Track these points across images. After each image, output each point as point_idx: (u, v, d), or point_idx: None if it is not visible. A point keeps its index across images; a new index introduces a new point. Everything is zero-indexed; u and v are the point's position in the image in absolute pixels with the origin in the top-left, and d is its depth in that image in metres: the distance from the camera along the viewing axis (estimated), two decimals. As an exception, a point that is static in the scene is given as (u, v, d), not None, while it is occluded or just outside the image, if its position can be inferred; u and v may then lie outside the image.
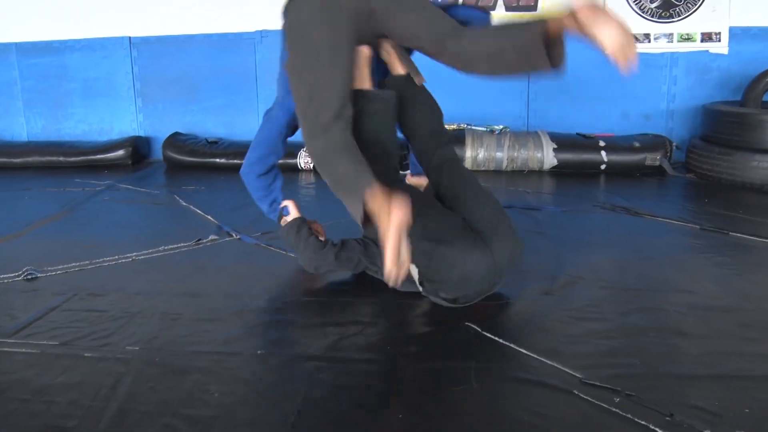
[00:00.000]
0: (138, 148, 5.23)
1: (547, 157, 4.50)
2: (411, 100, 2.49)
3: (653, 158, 4.39)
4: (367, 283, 2.38)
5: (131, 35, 5.39)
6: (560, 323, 2.02)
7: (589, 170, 4.44)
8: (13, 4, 5.49)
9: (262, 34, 5.23)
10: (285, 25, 2.15)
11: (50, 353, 1.91)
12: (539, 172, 4.53)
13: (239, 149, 4.80)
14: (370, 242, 2.30)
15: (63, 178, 4.64)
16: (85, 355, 1.89)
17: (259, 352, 1.89)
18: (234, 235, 3.06)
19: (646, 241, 2.93)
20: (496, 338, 1.91)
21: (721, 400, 1.57)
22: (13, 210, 3.83)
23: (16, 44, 5.56)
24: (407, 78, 2.46)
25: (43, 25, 5.48)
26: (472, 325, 2.00)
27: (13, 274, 2.58)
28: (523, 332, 1.97)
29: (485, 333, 1.95)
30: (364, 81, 2.28)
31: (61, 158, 5.08)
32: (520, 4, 4.84)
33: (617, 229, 3.16)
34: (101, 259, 2.74)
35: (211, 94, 5.45)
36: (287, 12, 2.12)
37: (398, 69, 2.43)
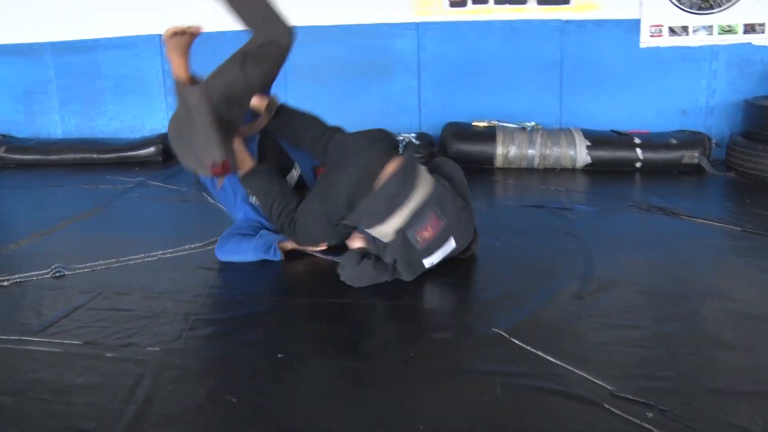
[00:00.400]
0: (168, 146, 5.24)
1: (580, 154, 4.39)
2: (287, 132, 2.99)
3: (691, 156, 4.23)
4: (388, 287, 2.34)
5: (162, 33, 5.41)
6: (591, 330, 1.95)
7: (623, 168, 4.31)
8: (48, 4, 5.57)
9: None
10: None
11: (73, 353, 1.90)
12: (572, 170, 4.42)
13: None
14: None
15: (95, 174, 4.69)
16: (107, 355, 1.88)
17: (279, 356, 1.85)
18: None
19: (684, 244, 2.82)
20: (524, 345, 1.85)
21: (765, 418, 1.48)
22: (46, 206, 3.88)
23: (52, 44, 5.63)
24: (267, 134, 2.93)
25: (77, 24, 5.54)
26: (499, 331, 1.93)
27: (42, 271, 2.59)
28: (551, 339, 1.89)
29: (512, 339, 1.88)
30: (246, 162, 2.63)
31: (94, 155, 5.14)
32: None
33: (653, 231, 3.04)
34: (128, 257, 2.73)
35: (241, 90, 5.44)
36: None
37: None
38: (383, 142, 2.60)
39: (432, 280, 2.39)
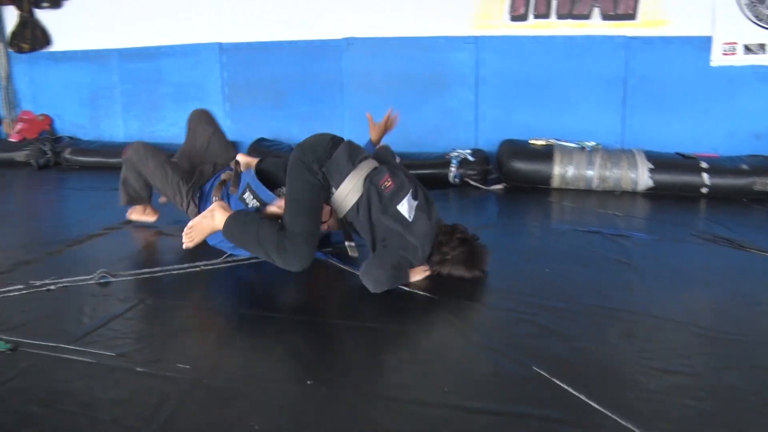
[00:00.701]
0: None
1: (642, 177, 4.20)
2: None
3: (763, 183, 3.99)
4: (422, 311, 2.25)
5: (222, 41, 5.50)
6: (642, 374, 1.80)
7: (688, 194, 4.10)
8: (116, 12, 5.74)
9: (349, 41, 5.20)
10: None
11: (105, 365, 1.89)
12: (632, 194, 4.23)
13: None
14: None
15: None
16: (137, 369, 1.86)
17: (309, 382, 1.79)
18: (347, 244, 2.95)
19: (752, 282, 2.62)
20: (565, 386, 1.72)
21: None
22: (103, 209, 3.93)
23: (118, 50, 5.80)
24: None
25: (142, 32, 5.69)
26: (539, 369, 1.82)
27: (88, 276, 2.62)
28: (597, 382, 1.76)
29: (553, 379, 1.76)
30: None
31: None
32: (618, 12, 4.56)
33: (717, 265, 2.84)
34: (173, 266, 2.74)
35: (296, 100, 5.47)
36: None
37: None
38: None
39: (469, 305, 2.30)
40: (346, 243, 2.69)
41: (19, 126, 6.11)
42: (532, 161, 4.41)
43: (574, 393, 1.69)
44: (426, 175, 4.60)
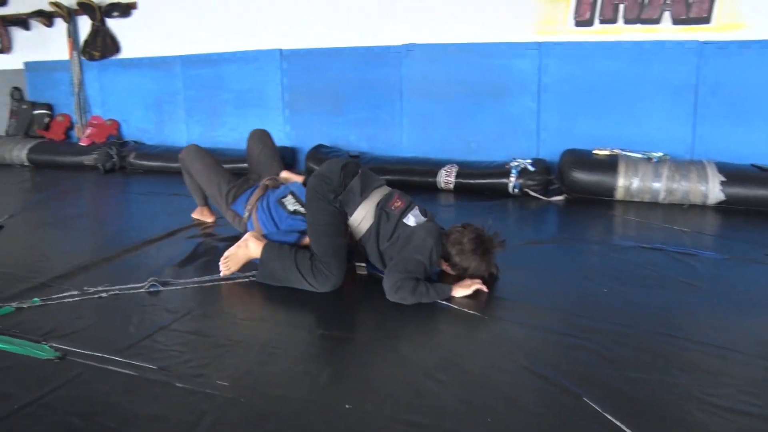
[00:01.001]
0: (283, 159, 5.33)
1: (713, 190, 3.97)
2: None
3: None
4: (471, 334, 2.16)
5: (282, 47, 5.54)
6: (703, 413, 1.66)
7: (763, 209, 3.86)
8: (181, 20, 5.87)
9: (409, 47, 5.14)
10: None
11: (146, 378, 1.89)
12: (702, 208, 4.01)
13: (381, 165, 4.75)
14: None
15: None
16: (177, 384, 1.85)
17: (347, 406, 1.73)
18: (356, 263, 2.94)
19: (832, 309, 2.41)
20: (618, 422, 1.61)
21: None
22: (162, 214, 4.02)
23: (182, 57, 5.93)
24: None
25: (204, 39, 5.80)
26: (590, 402, 1.71)
27: (139, 284, 2.65)
28: (652, 418, 1.63)
29: (605, 414, 1.65)
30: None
31: (212, 165, 5.31)
32: (691, 16, 4.32)
33: (794, 289, 2.63)
34: (221, 276, 2.75)
35: (355, 107, 5.46)
36: None
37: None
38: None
39: (518, 326, 2.19)
40: (356, 263, 2.78)
41: (89, 131, 6.34)
42: (595, 172, 4.24)
43: (626, 430, 1.57)
44: (484, 185, 4.51)
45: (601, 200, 4.22)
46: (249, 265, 2.79)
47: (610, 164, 4.23)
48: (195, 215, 3.77)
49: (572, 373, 1.88)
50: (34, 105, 6.86)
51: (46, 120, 6.78)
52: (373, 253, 2.67)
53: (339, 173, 2.69)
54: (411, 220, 2.64)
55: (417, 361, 1.99)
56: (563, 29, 4.68)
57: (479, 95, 5.00)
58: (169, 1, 5.93)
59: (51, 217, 4.11)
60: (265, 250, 2.69)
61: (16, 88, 7.04)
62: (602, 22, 4.56)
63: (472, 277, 2.58)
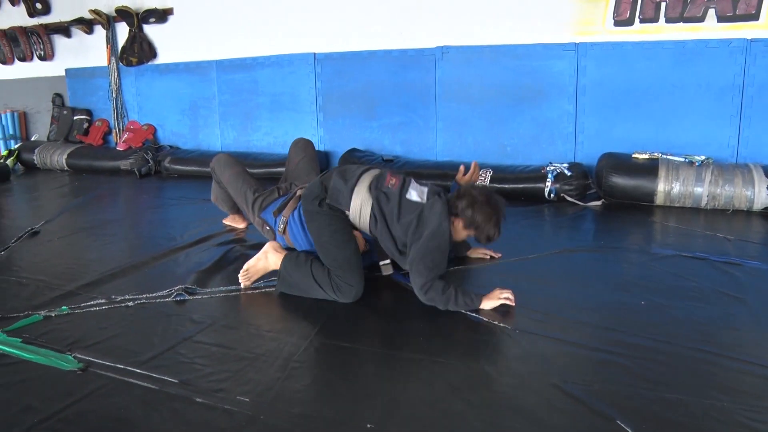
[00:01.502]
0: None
1: (760, 195, 3.81)
2: None
3: None
4: (503, 354, 2.07)
5: (316, 51, 5.51)
6: (749, 443, 1.55)
7: (815, 216, 3.66)
8: (216, 25, 5.90)
9: (443, 50, 5.06)
10: None
11: (166, 392, 1.86)
12: (747, 214, 3.84)
13: (415, 169, 4.70)
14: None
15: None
16: (197, 399, 1.81)
17: (369, 426, 1.67)
18: (380, 264, 2.87)
19: None
20: (656, 452, 1.51)
21: None
22: (195, 220, 4.00)
23: (217, 62, 5.96)
24: None
25: (239, 43, 5.82)
26: (625, 426, 1.61)
27: (166, 292, 2.64)
28: (694, 449, 1.53)
29: (641, 441, 1.55)
30: None
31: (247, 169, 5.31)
32: (737, 13, 4.14)
33: None
34: (247, 284, 2.72)
35: (389, 110, 5.40)
36: None
37: None
38: None
39: (550, 341, 2.10)
40: (380, 263, 2.70)
41: (126, 135, 6.42)
42: (635, 176, 4.10)
43: (664, 462, 1.48)
44: (520, 189, 4.40)
45: (640, 206, 4.08)
46: (275, 273, 2.75)
47: (649, 168, 4.09)
48: (227, 221, 3.78)
49: (606, 394, 1.78)
50: (74, 111, 6.99)
51: (86, 125, 6.90)
52: (386, 241, 2.58)
53: (319, 183, 2.70)
54: (414, 195, 2.58)
55: (444, 379, 1.91)
56: (602, 29, 4.54)
57: (515, 98, 4.89)
58: (204, 7, 5.97)
59: (84, 222, 4.16)
60: (284, 263, 2.66)
61: (58, 95, 7.19)
62: (643, 21, 4.40)
63: (480, 230, 2.56)
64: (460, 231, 2.63)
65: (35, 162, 6.59)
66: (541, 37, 4.73)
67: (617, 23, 4.49)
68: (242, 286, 2.73)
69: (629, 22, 4.45)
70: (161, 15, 6.20)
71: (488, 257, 3.09)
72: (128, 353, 2.12)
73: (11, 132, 7.53)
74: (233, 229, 3.68)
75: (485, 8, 4.87)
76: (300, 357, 2.07)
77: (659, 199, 4.03)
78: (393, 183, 2.61)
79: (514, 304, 2.42)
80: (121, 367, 2.01)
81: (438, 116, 5.22)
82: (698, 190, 3.92)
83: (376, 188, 2.59)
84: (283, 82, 5.71)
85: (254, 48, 5.77)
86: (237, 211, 3.64)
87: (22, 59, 7.25)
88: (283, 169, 5.15)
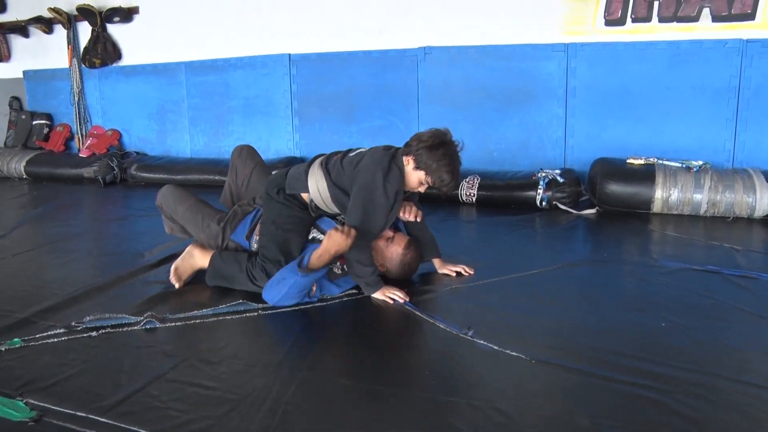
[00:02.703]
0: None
1: (762, 201, 3.66)
2: None
3: None
4: (523, 389, 1.84)
5: (291, 52, 5.24)
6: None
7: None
8: (184, 24, 5.60)
9: (426, 50, 4.84)
10: None
11: (137, 447, 1.58)
12: (748, 221, 3.70)
13: None
14: None
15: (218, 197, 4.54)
16: (173, 457, 1.54)
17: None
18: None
19: None
20: None
21: None
22: (160, 234, 3.67)
23: (186, 63, 5.65)
24: None
25: (209, 44, 5.52)
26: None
27: (134, 320, 2.35)
28: None
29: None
30: None
31: (217, 177, 5.03)
32: (733, 12, 4.00)
33: None
34: (227, 307, 2.45)
35: (369, 114, 5.15)
36: None
37: None
38: None
39: (565, 376, 1.87)
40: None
41: (89, 141, 6.07)
42: (630, 183, 3.92)
43: None
44: (510, 197, 4.19)
45: (635, 213, 3.90)
46: (258, 297, 2.49)
47: (646, 174, 3.91)
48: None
49: (627, 420, 1.57)
50: (33, 115, 6.60)
51: (46, 130, 6.52)
52: (337, 199, 2.58)
53: (284, 174, 2.71)
54: (356, 151, 2.61)
55: (460, 421, 1.66)
56: (592, 29, 4.37)
57: (502, 101, 4.69)
58: (172, 5, 5.66)
59: (43, 237, 3.83)
60: (214, 257, 2.71)
61: (15, 98, 6.79)
62: (635, 20, 4.24)
63: (433, 173, 2.44)
64: (411, 174, 2.49)
65: (-10, 170, 6.20)
66: (529, 37, 4.54)
67: (608, 23, 4.31)
68: (176, 286, 2.71)
69: (621, 21, 4.28)
70: (126, 14, 5.86)
71: (455, 274, 2.82)
72: (91, 396, 1.83)
73: (-35, 138, 7.10)
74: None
75: (470, 7, 4.67)
76: (293, 397, 1.80)
77: (656, 207, 3.85)
78: (339, 155, 2.63)
79: (402, 301, 2.46)
80: (82, 415, 1.72)
81: (420, 120, 4.99)
82: (697, 196, 3.76)
83: (326, 163, 2.60)
84: (256, 84, 5.42)
85: (226, 49, 5.47)
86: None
87: (-23, 60, 6.84)
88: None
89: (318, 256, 2.38)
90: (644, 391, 1.78)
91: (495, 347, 2.07)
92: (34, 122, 6.55)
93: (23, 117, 6.62)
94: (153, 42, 5.80)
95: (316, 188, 2.58)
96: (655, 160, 4.02)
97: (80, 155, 5.98)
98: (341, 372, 1.98)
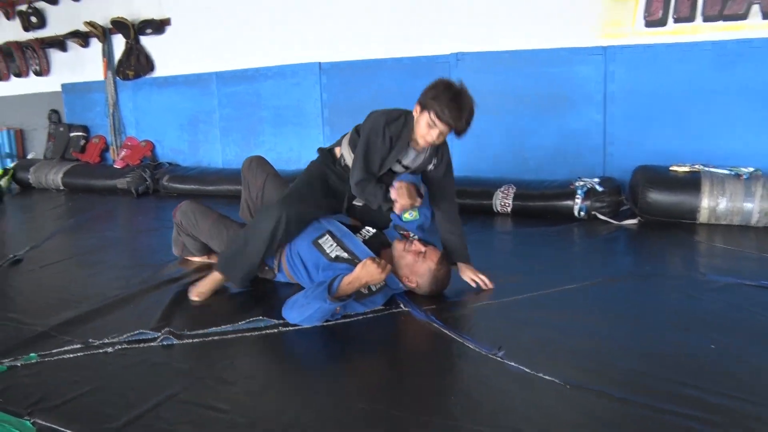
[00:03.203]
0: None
1: (819, 211, 3.42)
2: None
3: None
4: (560, 417, 1.68)
5: (321, 61, 5.18)
6: None
7: None
8: (216, 35, 5.59)
9: (458, 56, 4.72)
10: None
11: (141, 475, 1.49)
12: (805, 232, 3.45)
13: None
14: None
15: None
16: (176, 487, 1.44)
17: None
18: (402, 305, 2.53)
19: None
20: None
21: None
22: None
23: (217, 73, 5.64)
24: None
25: (240, 53, 5.50)
26: None
27: (151, 336, 2.28)
28: None
29: None
30: None
31: (248, 188, 4.97)
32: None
33: None
34: (246, 323, 2.36)
35: (401, 122, 5.03)
36: None
37: None
38: None
39: (607, 405, 1.71)
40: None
41: (123, 152, 6.10)
42: (674, 191, 3.72)
43: None
44: (546, 207, 4.03)
45: (680, 224, 3.70)
46: (276, 314, 2.39)
47: (691, 182, 3.71)
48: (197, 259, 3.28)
49: None
50: (71, 127, 6.69)
51: (82, 142, 6.60)
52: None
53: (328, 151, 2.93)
54: None
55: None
56: (631, 30, 4.19)
57: (537, 107, 4.53)
58: (203, 16, 5.66)
59: (73, 248, 3.82)
60: (219, 260, 2.72)
61: (54, 111, 6.90)
62: (677, 20, 4.04)
63: (435, 104, 2.43)
64: (420, 121, 2.50)
65: (30, 181, 6.29)
66: (564, 40, 4.38)
67: (648, 24, 4.13)
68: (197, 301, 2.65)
69: (662, 22, 4.08)
70: (158, 25, 5.89)
71: (474, 284, 2.69)
72: (99, 417, 1.75)
73: (7, 150, 7.24)
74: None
75: (503, 11, 4.53)
76: (306, 422, 1.69)
77: (703, 217, 3.64)
78: None
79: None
80: (90, 436, 1.65)
81: (453, 128, 4.85)
82: (748, 205, 3.54)
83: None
84: (287, 94, 5.37)
85: (256, 58, 5.44)
86: (209, 251, 3.17)
87: (18, 75, 6.98)
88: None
89: (348, 282, 2.32)
90: (691, 422, 1.61)
91: (527, 370, 1.93)
92: (72, 134, 6.64)
93: (61, 129, 6.71)
94: (185, 53, 5.82)
95: (345, 140, 2.75)
96: (701, 167, 3.81)
97: (114, 166, 6.02)
98: (360, 395, 1.85)
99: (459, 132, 2.50)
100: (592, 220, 3.91)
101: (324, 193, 2.76)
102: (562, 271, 2.96)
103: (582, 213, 3.91)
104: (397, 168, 2.65)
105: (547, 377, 1.87)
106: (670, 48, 4.09)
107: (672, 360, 1.98)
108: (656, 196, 3.73)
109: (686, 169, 3.82)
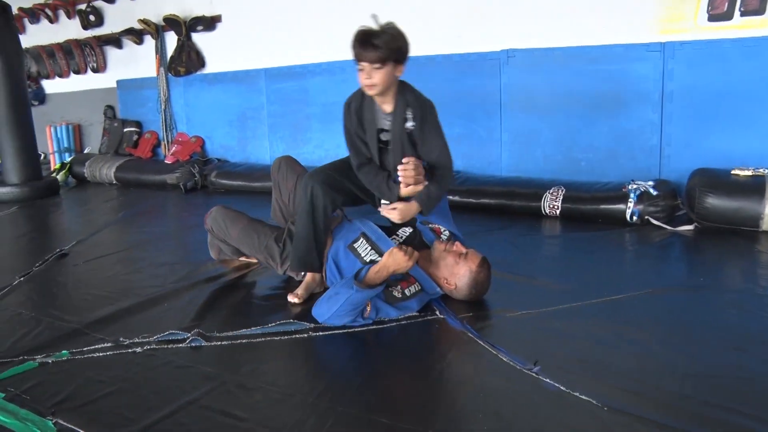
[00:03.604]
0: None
1: None
2: None
3: None
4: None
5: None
6: None
7: None
8: (265, 32, 5.60)
9: (509, 53, 4.57)
10: None
11: (153, 484, 1.45)
12: None
13: (477, 186, 4.32)
14: None
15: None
16: (187, 499, 1.39)
17: None
18: (438, 312, 2.44)
19: None
20: None
21: None
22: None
23: (265, 70, 5.65)
24: None
25: (289, 50, 5.49)
26: None
27: (180, 336, 2.27)
28: None
29: None
30: None
31: (293, 184, 4.96)
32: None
33: None
34: (278, 325, 2.31)
35: (449, 121, 4.79)
36: None
37: None
38: None
39: (646, 425, 1.59)
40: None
41: (174, 148, 6.19)
42: (735, 197, 3.49)
43: None
44: (597, 211, 3.86)
45: (740, 231, 3.48)
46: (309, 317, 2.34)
47: (754, 187, 3.47)
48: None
49: None
50: (125, 123, 6.84)
51: (135, 137, 6.73)
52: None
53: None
54: None
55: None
56: (693, 26, 3.96)
57: (590, 106, 4.34)
58: (252, 13, 5.68)
59: (118, 243, 3.87)
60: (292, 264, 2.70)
61: (109, 107, 7.06)
62: (744, 14, 3.79)
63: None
64: (393, 78, 2.58)
65: (85, 175, 6.46)
66: (620, 36, 4.18)
67: (712, 18, 3.89)
68: (295, 301, 2.58)
69: (727, 16, 3.84)
70: (209, 22, 5.94)
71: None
72: (119, 420, 1.73)
73: (66, 145, 7.46)
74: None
75: (555, 6, 4.36)
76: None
77: (766, 225, 3.41)
78: None
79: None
80: (107, 439, 1.63)
81: (503, 127, 4.72)
82: (816, 214, 3.30)
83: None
84: (334, 90, 5.32)
85: (304, 55, 5.42)
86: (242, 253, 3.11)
87: (77, 72, 7.17)
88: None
89: (376, 271, 2.29)
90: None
91: (562, 388, 1.81)
92: (125, 129, 6.78)
93: (115, 125, 6.87)
94: (234, 49, 5.85)
95: None
96: (766, 171, 3.57)
97: (165, 162, 6.12)
98: (384, 408, 1.77)
99: (372, 59, 2.48)
100: (645, 226, 3.71)
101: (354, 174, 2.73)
102: (609, 280, 2.81)
103: (634, 217, 3.72)
104: (384, 136, 2.62)
105: (583, 397, 1.75)
106: (736, 43, 3.84)
107: (723, 383, 1.82)
108: (715, 201, 3.51)
109: (749, 173, 3.59)
